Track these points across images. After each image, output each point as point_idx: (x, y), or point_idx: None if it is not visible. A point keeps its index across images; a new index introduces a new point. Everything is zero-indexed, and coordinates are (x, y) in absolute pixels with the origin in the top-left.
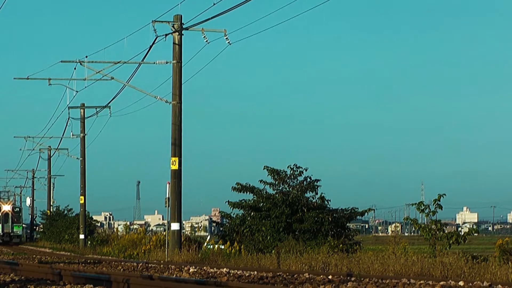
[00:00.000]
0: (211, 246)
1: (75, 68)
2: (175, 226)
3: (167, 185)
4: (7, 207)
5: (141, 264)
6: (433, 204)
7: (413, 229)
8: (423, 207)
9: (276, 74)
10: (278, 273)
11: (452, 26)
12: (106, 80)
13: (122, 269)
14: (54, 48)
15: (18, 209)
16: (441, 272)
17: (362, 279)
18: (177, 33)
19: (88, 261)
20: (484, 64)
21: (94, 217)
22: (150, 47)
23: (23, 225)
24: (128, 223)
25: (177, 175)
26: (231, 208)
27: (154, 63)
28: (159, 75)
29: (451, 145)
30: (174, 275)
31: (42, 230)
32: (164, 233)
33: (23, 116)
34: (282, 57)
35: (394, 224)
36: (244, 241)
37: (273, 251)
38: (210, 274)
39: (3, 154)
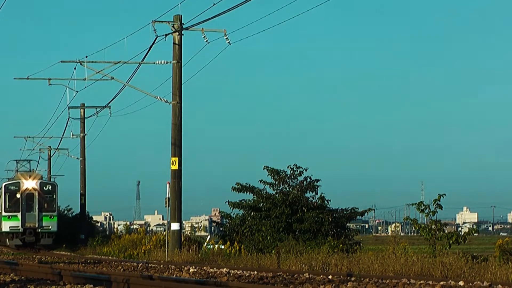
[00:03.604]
0: (211, 246)
1: (75, 68)
2: (175, 226)
3: (167, 185)
4: (31, 184)
5: (141, 264)
6: (433, 204)
7: (413, 229)
8: (423, 207)
9: (276, 74)
10: (278, 273)
11: (451, 27)
12: (106, 80)
13: (122, 269)
14: (54, 48)
15: (50, 187)
16: (441, 272)
17: (362, 279)
18: (177, 33)
19: (88, 261)
20: (485, 65)
21: (94, 217)
22: (150, 47)
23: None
24: (128, 223)
25: (177, 175)
26: (231, 208)
27: (154, 63)
28: (159, 75)
29: (451, 146)
30: (174, 275)
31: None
32: (164, 233)
33: (23, 116)
34: (282, 57)
35: (394, 224)
36: (244, 241)
37: (273, 251)
38: (210, 274)
39: (3, 154)
